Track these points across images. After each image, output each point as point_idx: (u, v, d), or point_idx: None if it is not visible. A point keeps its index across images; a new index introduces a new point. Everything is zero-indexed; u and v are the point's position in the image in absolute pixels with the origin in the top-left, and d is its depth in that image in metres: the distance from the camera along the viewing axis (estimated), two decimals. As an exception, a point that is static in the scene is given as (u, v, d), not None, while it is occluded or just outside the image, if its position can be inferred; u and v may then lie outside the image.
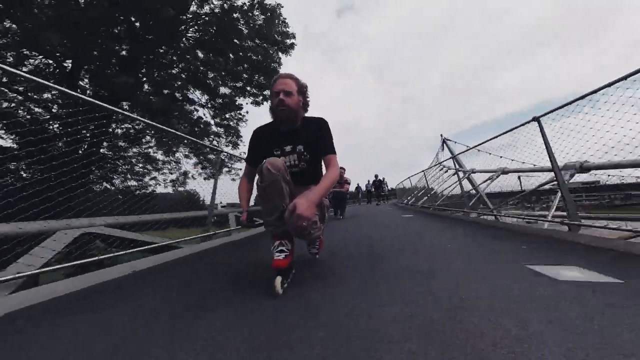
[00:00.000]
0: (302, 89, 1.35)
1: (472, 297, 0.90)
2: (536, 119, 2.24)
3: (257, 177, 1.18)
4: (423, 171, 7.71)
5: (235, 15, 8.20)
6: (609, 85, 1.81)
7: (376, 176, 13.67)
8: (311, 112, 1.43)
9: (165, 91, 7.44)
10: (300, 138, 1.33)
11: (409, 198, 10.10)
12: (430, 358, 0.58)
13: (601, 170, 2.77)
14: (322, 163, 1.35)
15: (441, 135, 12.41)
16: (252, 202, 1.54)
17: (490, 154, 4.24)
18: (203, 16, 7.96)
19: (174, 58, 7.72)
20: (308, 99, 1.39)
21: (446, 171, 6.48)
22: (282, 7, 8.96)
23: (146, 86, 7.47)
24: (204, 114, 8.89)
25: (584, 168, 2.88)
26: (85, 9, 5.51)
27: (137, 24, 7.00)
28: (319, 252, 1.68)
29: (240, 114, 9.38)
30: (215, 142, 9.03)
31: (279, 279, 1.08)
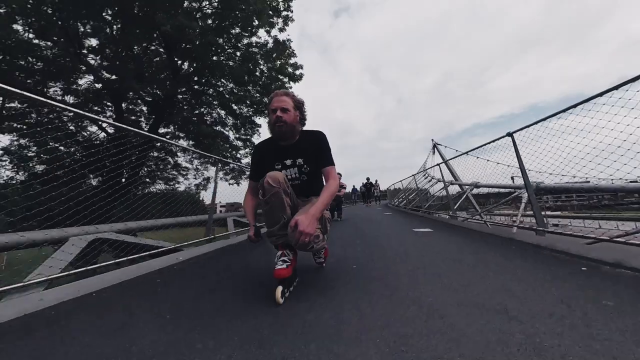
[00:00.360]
0: (299, 105, 1.43)
1: (385, 235, 3.24)
2: (413, 175, 4.61)
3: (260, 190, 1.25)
4: (400, 181, 10.08)
5: (254, 49, 10.35)
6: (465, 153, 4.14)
7: (367, 179, 15.87)
8: (310, 113, 1.52)
9: (209, 118, 9.63)
10: (300, 151, 1.42)
11: (394, 200, 12.51)
12: (372, 243, 2.90)
13: (485, 187, 5.16)
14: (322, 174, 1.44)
15: (432, 140, 14.35)
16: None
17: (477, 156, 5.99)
18: (230, 52, 10.08)
19: (210, 89, 9.89)
20: (305, 113, 1.47)
21: (425, 177, 8.68)
22: (292, 41, 11.16)
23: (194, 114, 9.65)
24: (226, 130, 11.05)
25: (477, 186, 5.26)
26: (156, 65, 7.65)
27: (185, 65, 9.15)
28: (325, 262, 1.75)
29: (257, 129, 11.58)
30: (238, 155, 11.22)
31: (279, 289, 1.14)
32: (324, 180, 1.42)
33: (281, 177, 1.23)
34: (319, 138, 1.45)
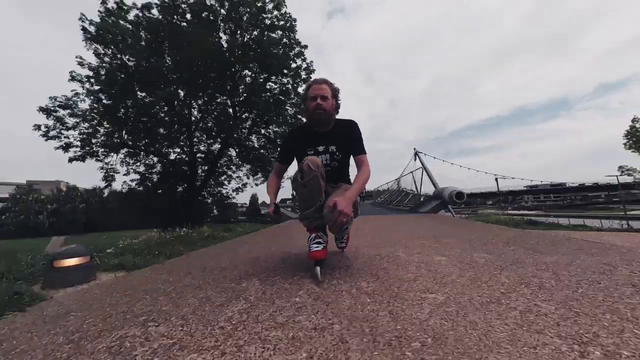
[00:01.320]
0: (335, 93, 1.53)
1: (375, 213, 9.17)
2: (392, 181, 10.51)
3: (296, 173, 1.35)
4: (387, 183, 15.94)
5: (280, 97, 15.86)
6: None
7: (355, 183, 21.75)
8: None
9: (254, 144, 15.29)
10: (333, 139, 1.51)
11: (377, 199, 18.50)
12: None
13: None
14: (350, 162, 1.56)
15: (414, 149, 19.14)
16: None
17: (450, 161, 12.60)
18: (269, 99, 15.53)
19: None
20: (339, 102, 1.56)
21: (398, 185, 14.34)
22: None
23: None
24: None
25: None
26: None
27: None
28: (347, 246, 1.88)
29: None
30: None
31: (318, 269, 1.27)
32: (356, 167, 1.51)
33: (319, 161, 1.32)
34: (351, 127, 1.54)
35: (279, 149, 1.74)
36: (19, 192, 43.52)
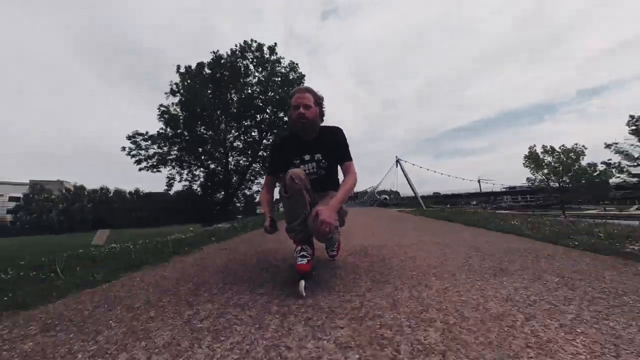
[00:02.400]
0: (319, 101, 1.57)
1: (365, 210, 16.00)
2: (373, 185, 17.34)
3: (280, 186, 1.38)
4: (371, 187, 22.94)
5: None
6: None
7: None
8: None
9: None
10: (319, 147, 1.55)
11: (361, 199, 25.58)
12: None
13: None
14: (338, 169, 1.61)
15: (396, 157, 24.87)
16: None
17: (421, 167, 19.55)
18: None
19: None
20: (324, 110, 1.61)
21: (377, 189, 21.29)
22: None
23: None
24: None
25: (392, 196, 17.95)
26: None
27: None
28: (338, 255, 1.91)
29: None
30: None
31: (302, 283, 1.25)
32: (342, 174, 1.56)
33: (303, 174, 1.35)
34: (337, 134, 1.58)
35: (268, 161, 1.87)
36: (32, 191, 47.36)
